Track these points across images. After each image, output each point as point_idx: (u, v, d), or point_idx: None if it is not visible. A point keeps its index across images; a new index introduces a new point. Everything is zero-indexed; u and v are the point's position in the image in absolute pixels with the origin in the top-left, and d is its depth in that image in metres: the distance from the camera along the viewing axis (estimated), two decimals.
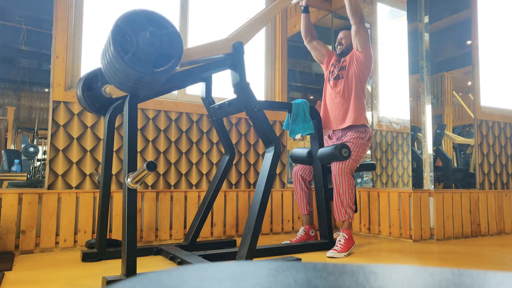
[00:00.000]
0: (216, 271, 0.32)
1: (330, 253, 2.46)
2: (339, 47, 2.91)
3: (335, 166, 2.58)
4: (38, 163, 2.67)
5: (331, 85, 2.86)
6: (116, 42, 1.53)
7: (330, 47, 3.09)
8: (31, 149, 2.63)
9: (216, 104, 2.49)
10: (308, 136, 2.75)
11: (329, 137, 2.94)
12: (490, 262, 2.31)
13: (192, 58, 2.05)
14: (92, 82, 2.19)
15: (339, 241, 2.51)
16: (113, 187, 2.73)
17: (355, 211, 2.72)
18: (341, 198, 2.56)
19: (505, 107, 3.90)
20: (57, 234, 2.56)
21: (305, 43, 3.07)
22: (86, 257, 2.24)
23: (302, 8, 2.98)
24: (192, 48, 2.07)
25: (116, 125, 2.71)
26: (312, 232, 2.82)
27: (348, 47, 2.87)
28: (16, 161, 2.59)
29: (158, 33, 1.62)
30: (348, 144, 2.65)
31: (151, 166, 1.56)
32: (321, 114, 2.89)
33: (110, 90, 2.02)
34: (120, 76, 1.59)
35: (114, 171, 2.73)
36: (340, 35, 2.93)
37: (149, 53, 1.60)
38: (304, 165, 2.85)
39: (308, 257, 2.40)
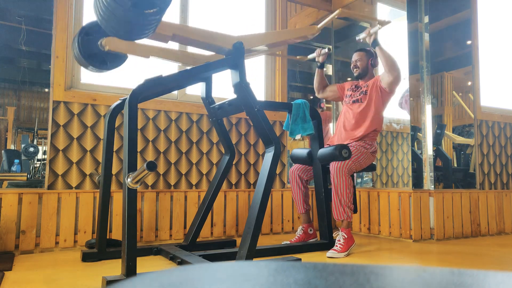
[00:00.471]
0: (216, 271, 0.32)
1: (330, 253, 2.46)
2: (355, 69, 2.92)
3: (333, 166, 2.59)
4: (38, 163, 2.67)
5: (350, 107, 2.88)
6: None
7: (332, 78, 3.08)
8: (31, 149, 2.63)
9: (216, 104, 2.49)
10: (308, 136, 2.75)
11: None
12: (490, 262, 2.31)
13: (189, 36, 2.05)
14: (92, 30, 2.15)
15: (339, 240, 2.51)
16: (113, 187, 2.73)
17: (355, 211, 2.72)
18: (340, 197, 2.56)
19: (505, 107, 3.90)
20: (57, 234, 2.56)
21: (317, 95, 3.15)
22: (86, 257, 2.24)
23: (318, 64, 3.04)
24: (193, 28, 2.08)
25: (116, 125, 2.71)
26: (310, 230, 2.82)
27: (364, 69, 2.88)
28: (16, 161, 2.59)
29: None
30: (350, 147, 2.65)
31: (151, 166, 1.56)
32: (336, 137, 2.92)
33: (105, 42, 2.01)
34: (108, 13, 1.59)
35: (114, 171, 2.73)
36: (355, 57, 2.93)
37: None
38: (302, 165, 2.86)
39: (308, 257, 2.40)
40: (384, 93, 2.76)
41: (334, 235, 2.73)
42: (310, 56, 3.05)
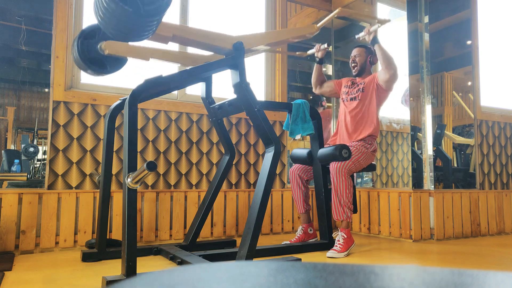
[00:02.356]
0: (216, 271, 0.32)
1: (330, 253, 2.46)
2: (353, 64, 2.92)
3: (333, 166, 2.59)
4: (38, 163, 2.67)
5: (346, 105, 2.89)
6: None
7: (332, 74, 3.09)
8: (31, 149, 2.63)
9: (216, 104, 2.49)
10: (308, 136, 2.75)
11: None
12: (490, 262, 2.31)
13: (188, 36, 2.05)
14: (91, 34, 2.15)
15: (338, 241, 2.51)
16: (113, 187, 2.73)
17: (355, 211, 2.72)
18: (339, 197, 2.56)
19: (505, 107, 3.90)
20: (57, 234, 2.56)
21: (314, 91, 3.15)
22: (86, 257, 2.24)
23: (317, 59, 3.04)
24: (193, 28, 2.08)
25: (116, 125, 2.71)
26: (310, 230, 2.82)
27: (363, 66, 2.88)
28: (16, 161, 2.59)
29: None
30: (350, 147, 2.65)
31: (151, 166, 1.56)
32: (338, 137, 2.93)
33: (105, 46, 2.00)
34: (108, 15, 1.59)
35: (114, 171, 2.73)
36: (354, 52, 2.93)
37: None
38: (302, 165, 2.86)
39: (308, 257, 2.40)
40: (380, 90, 2.76)
41: (333, 235, 2.73)
42: (310, 52, 3.05)
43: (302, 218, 2.86)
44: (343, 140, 2.86)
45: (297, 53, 3.19)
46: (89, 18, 2.88)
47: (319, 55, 3.01)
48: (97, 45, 2.05)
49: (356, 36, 2.80)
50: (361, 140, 2.75)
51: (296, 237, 2.80)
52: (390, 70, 2.67)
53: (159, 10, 1.63)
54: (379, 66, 2.77)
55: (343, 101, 2.93)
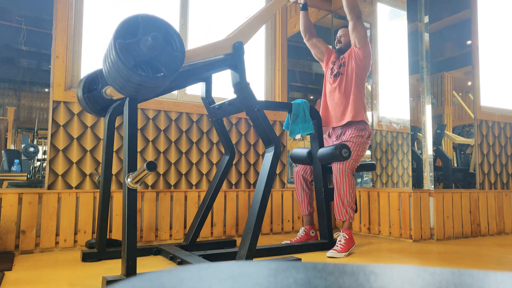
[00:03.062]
0: (216, 271, 0.32)
1: (330, 253, 2.46)
2: (338, 44, 2.92)
3: (336, 166, 2.59)
4: (38, 163, 2.67)
5: (331, 82, 2.87)
6: (118, 47, 1.53)
7: (330, 46, 3.08)
8: (31, 149, 2.63)
9: (216, 104, 2.49)
10: (308, 136, 2.75)
11: (329, 136, 2.94)
12: (490, 262, 2.31)
13: (193, 60, 2.05)
14: (93, 84, 2.19)
15: (339, 241, 2.51)
16: (113, 187, 2.73)
17: (355, 211, 2.72)
18: (342, 198, 2.56)
19: (505, 107, 3.90)
20: (57, 234, 2.56)
21: (304, 40, 3.08)
22: (86, 257, 2.24)
23: (301, 5, 3.00)
24: (193, 50, 2.07)
25: (116, 125, 2.71)
26: (312, 232, 2.82)
27: (347, 45, 2.88)
28: (16, 161, 2.59)
29: (160, 38, 1.62)
30: (348, 143, 2.65)
31: (151, 166, 1.56)
32: (320, 112, 2.90)
33: (111, 92, 2.02)
34: (122, 81, 1.59)
35: (114, 171, 2.73)
36: (339, 32, 2.94)
37: (151, 58, 1.60)
38: (305, 165, 2.85)
39: (308, 257, 2.40)
40: (358, 56, 2.74)
41: (334, 235, 2.73)
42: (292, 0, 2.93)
43: (305, 219, 2.86)
44: (336, 119, 2.83)
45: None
46: (89, 18, 2.88)
47: (301, 0, 2.97)
48: (102, 91, 2.09)
49: (291, 0, 2.73)
50: (354, 128, 2.72)
51: (297, 237, 2.80)
52: (353, 13, 2.65)
53: (171, 74, 1.65)
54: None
55: (328, 77, 2.92)
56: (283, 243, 2.69)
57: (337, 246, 2.49)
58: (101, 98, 2.18)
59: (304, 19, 3.02)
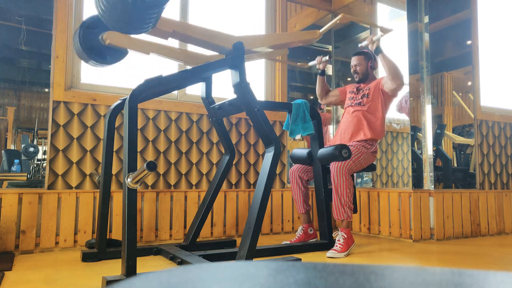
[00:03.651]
0: (216, 271, 0.32)
1: (330, 253, 2.46)
2: (356, 75, 2.95)
3: (333, 166, 2.59)
4: (38, 163, 2.67)
5: (351, 111, 2.89)
6: None
7: (341, 87, 3.10)
8: (31, 149, 2.63)
9: (216, 104, 2.49)
10: (308, 136, 2.75)
11: None
12: (490, 262, 2.31)
13: (188, 34, 2.05)
14: (93, 25, 2.14)
15: (338, 240, 2.51)
16: (113, 187, 2.73)
17: (355, 211, 2.72)
18: (340, 197, 2.57)
19: (505, 107, 3.90)
20: (57, 234, 2.56)
21: (321, 102, 3.20)
22: (86, 257, 2.24)
23: (319, 71, 3.09)
24: (194, 26, 2.09)
25: (116, 125, 2.71)
26: (310, 230, 2.83)
27: (364, 73, 2.91)
28: (16, 161, 2.59)
29: None
30: (350, 147, 2.66)
31: (151, 166, 1.56)
32: (338, 139, 2.93)
33: (106, 36, 2.01)
34: (108, 7, 1.59)
35: (114, 171, 2.73)
36: (354, 61, 2.96)
37: None
38: (302, 165, 2.86)
39: (308, 257, 2.40)
40: (386, 96, 2.80)
41: (333, 235, 2.73)
42: (311, 63, 3.10)
43: (302, 218, 2.87)
44: (343, 140, 2.86)
45: (298, 63, 3.21)
46: (90, 14, 2.88)
47: (320, 67, 3.05)
48: (99, 36, 2.05)
49: (360, 45, 2.82)
50: (362, 141, 2.76)
51: (296, 237, 2.81)
52: (397, 80, 2.69)
53: (158, 3, 1.64)
54: (382, 69, 2.78)
55: (347, 105, 2.94)
56: (283, 243, 2.69)
57: (336, 246, 2.49)
58: (94, 39, 2.12)
59: (321, 84, 3.13)
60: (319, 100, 3.19)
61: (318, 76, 3.12)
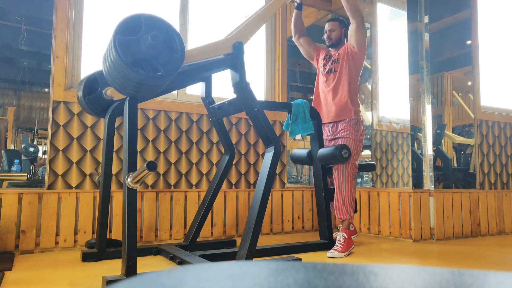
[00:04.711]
0: (216, 271, 0.32)
1: (330, 253, 2.46)
2: (328, 41, 2.88)
3: (338, 168, 2.60)
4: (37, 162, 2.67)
5: (324, 79, 2.86)
6: (117, 43, 1.53)
7: (318, 44, 3.06)
8: (31, 149, 2.63)
9: (216, 104, 2.49)
10: (308, 137, 2.75)
11: None
12: (490, 262, 2.31)
13: (193, 60, 2.05)
14: (93, 85, 2.19)
15: (339, 240, 2.52)
16: (113, 187, 2.73)
17: (355, 211, 2.72)
18: (343, 197, 2.57)
19: (505, 107, 3.90)
20: (57, 234, 2.56)
21: (293, 39, 3.08)
22: (86, 257, 2.24)
23: (296, 4, 2.98)
24: (193, 50, 2.07)
25: (116, 125, 2.71)
26: (351, 226, 2.86)
27: (338, 40, 2.85)
28: (16, 161, 2.59)
29: (161, 38, 1.62)
30: (346, 140, 2.65)
31: (151, 166, 1.56)
32: (321, 109, 2.90)
33: (111, 93, 2.02)
34: (121, 79, 1.59)
35: (114, 171, 2.73)
36: (329, 26, 2.89)
37: (151, 57, 1.60)
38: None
39: (308, 257, 2.40)
40: (353, 54, 2.73)
41: (334, 235, 2.73)
42: None
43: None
44: (328, 114, 2.81)
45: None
46: (89, 18, 2.88)
47: (298, 0, 2.96)
48: (102, 92, 2.09)
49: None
50: (347, 123, 2.70)
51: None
52: (357, 16, 2.64)
53: (171, 73, 1.65)
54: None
55: (320, 73, 2.91)
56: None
57: (337, 246, 2.49)
58: (101, 99, 2.18)
59: (296, 18, 3.01)
60: (292, 37, 3.06)
61: (294, 10, 2.99)
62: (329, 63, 2.84)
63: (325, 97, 2.85)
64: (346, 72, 2.75)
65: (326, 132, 2.85)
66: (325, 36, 2.90)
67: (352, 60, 2.74)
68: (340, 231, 2.58)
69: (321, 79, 2.90)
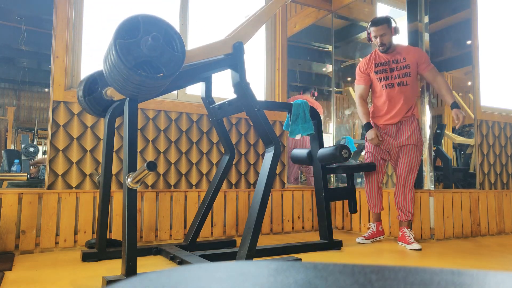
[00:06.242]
0: (216, 271, 0.32)
1: (359, 239, 2.87)
2: (382, 46, 2.88)
3: (407, 163, 2.83)
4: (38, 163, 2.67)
5: (395, 84, 2.90)
6: (118, 47, 1.53)
7: (362, 62, 3.03)
8: (31, 149, 2.63)
9: (216, 104, 2.49)
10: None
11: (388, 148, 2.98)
12: (490, 262, 2.31)
13: (193, 61, 2.04)
14: (93, 86, 2.19)
15: (407, 236, 2.77)
16: (113, 187, 2.73)
17: (355, 211, 2.72)
18: (410, 191, 2.82)
19: (505, 107, 3.90)
20: (57, 234, 2.56)
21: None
22: (86, 257, 2.24)
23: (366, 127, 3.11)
24: (193, 50, 2.07)
25: (116, 125, 2.71)
26: (381, 227, 3.01)
27: (390, 42, 2.89)
28: (16, 161, 2.59)
29: (161, 38, 1.62)
30: (414, 136, 2.85)
31: (151, 166, 1.56)
32: (372, 114, 3.00)
33: (111, 93, 2.02)
34: (122, 81, 1.59)
35: (114, 171, 2.73)
36: (378, 31, 2.84)
37: (152, 58, 1.60)
38: (376, 145, 2.94)
39: (308, 257, 2.40)
40: (417, 69, 2.92)
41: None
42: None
43: (374, 216, 3.00)
44: (397, 116, 2.91)
45: None
46: (89, 18, 2.88)
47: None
48: (102, 93, 2.10)
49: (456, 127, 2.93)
50: (413, 121, 2.91)
51: (368, 233, 2.96)
52: (449, 92, 2.90)
53: (171, 74, 1.65)
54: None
55: (386, 87, 2.92)
56: (357, 240, 2.92)
57: (406, 238, 2.75)
58: (101, 99, 2.18)
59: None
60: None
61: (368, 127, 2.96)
62: (397, 69, 2.89)
63: (396, 101, 2.90)
64: (415, 79, 2.93)
65: (391, 133, 2.96)
66: (377, 42, 2.88)
67: (416, 74, 2.94)
68: (404, 228, 2.80)
69: (386, 91, 2.92)
